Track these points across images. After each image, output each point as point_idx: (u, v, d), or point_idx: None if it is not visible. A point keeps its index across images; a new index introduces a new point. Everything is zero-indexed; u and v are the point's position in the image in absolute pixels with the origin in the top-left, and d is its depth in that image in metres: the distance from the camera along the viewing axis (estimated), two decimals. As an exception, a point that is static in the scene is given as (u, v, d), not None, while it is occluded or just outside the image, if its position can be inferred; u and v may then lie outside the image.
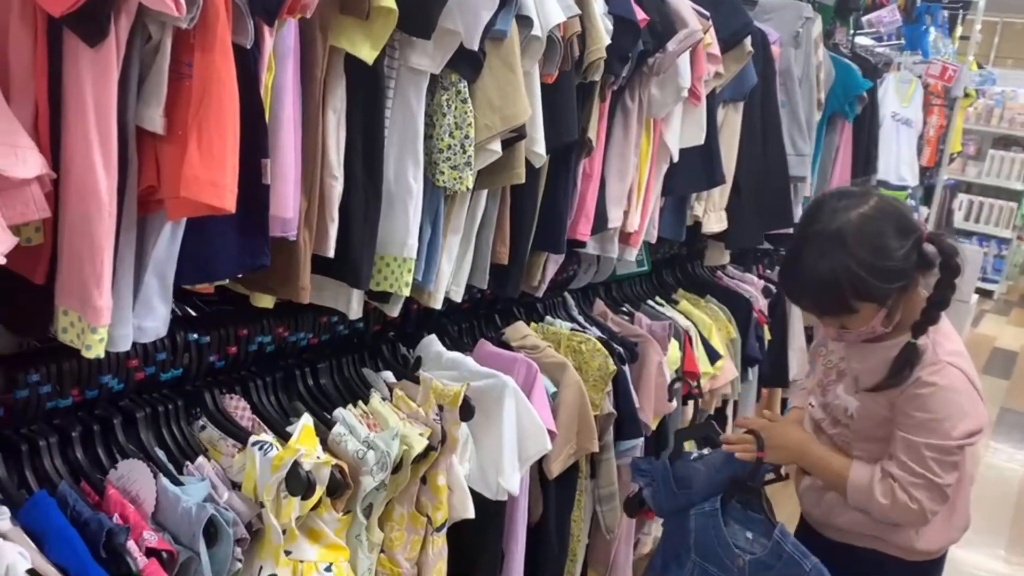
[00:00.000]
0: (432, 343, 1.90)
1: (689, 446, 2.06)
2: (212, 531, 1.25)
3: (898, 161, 4.57)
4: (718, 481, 1.83)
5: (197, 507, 1.24)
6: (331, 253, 1.41)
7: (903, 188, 4.65)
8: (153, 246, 1.19)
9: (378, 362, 1.84)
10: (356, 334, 1.82)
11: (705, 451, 1.92)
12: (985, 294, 7.94)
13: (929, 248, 1.58)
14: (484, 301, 2.15)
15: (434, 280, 1.66)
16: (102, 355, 1.12)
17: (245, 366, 1.61)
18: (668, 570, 1.90)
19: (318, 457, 1.38)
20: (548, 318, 2.31)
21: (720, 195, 2.62)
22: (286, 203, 1.27)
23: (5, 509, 1.17)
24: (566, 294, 2.42)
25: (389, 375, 1.79)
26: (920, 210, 5.71)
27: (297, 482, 1.32)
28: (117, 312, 1.14)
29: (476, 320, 2.13)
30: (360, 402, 1.66)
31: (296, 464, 1.33)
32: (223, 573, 1.27)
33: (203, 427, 1.49)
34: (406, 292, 1.56)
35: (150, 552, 1.19)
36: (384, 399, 1.69)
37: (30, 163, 1.00)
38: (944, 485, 1.59)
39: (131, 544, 1.18)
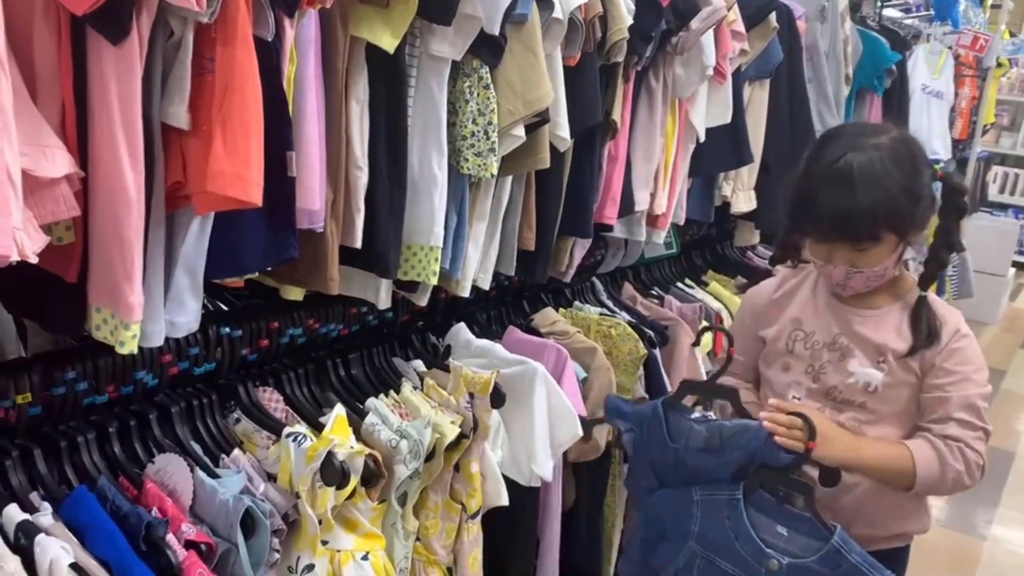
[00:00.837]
0: (461, 331, 1.91)
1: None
2: (249, 522, 1.26)
3: (929, 134, 4.48)
4: (727, 460, 1.51)
5: (234, 499, 1.25)
6: (358, 244, 1.42)
7: (936, 162, 4.55)
8: (182, 242, 1.19)
9: (408, 352, 1.84)
10: (386, 324, 1.83)
11: (710, 414, 1.60)
12: (1022, 268, 7.79)
13: (935, 186, 1.55)
14: (512, 288, 2.15)
15: (461, 268, 1.66)
16: (135, 351, 1.13)
17: (277, 358, 1.62)
18: (653, 552, 1.60)
19: (352, 447, 1.39)
20: (577, 303, 2.31)
21: (748, 174, 2.59)
22: (312, 195, 1.28)
23: (47, 505, 1.19)
24: (594, 279, 2.41)
25: (419, 364, 1.80)
26: (953, 184, 5.59)
27: (332, 472, 1.33)
28: (149, 308, 1.15)
29: (504, 307, 2.12)
30: (392, 391, 1.66)
31: (330, 454, 1.33)
32: (261, 564, 1.29)
33: (237, 420, 1.51)
34: (434, 280, 1.56)
35: (189, 544, 1.21)
36: (415, 388, 1.69)
37: (59, 162, 1.01)
38: (991, 433, 1.55)
39: (170, 537, 1.19)
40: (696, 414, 1.57)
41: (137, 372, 1.37)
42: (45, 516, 1.17)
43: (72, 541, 1.14)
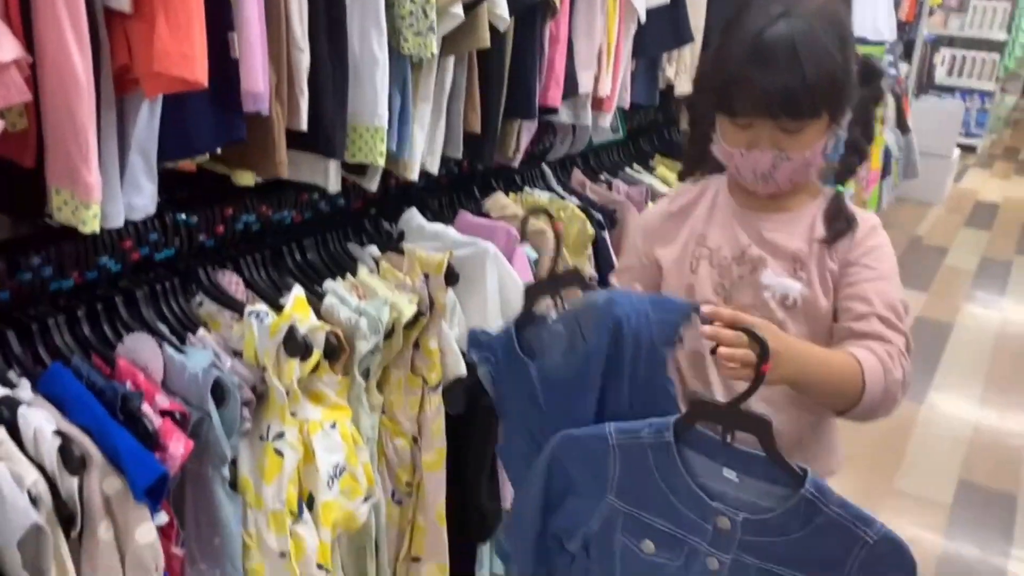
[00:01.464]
0: (414, 216, 1.96)
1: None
2: (220, 392, 1.32)
3: (875, 15, 4.50)
4: (593, 349, 1.20)
5: (203, 371, 1.31)
6: (304, 126, 1.46)
7: (880, 43, 4.61)
8: (133, 125, 1.23)
9: (362, 237, 1.90)
10: (339, 211, 1.87)
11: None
12: (968, 150, 7.96)
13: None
14: (463, 175, 2.20)
15: (408, 149, 1.70)
16: (97, 230, 1.18)
17: (234, 244, 1.66)
18: (554, 512, 1.26)
19: (313, 323, 1.46)
20: (527, 189, 2.37)
21: (691, 56, 2.64)
22: (255, 77, 1.31)
23: (25, 380, 1.25)
24: (544, 165, 2.47)
25: (374, 249, 1.85)
26: (900, 67, 5.67)
27: (295, 344, 1.39)
28: (106, 190, 1.19)
29: (456, 194, 2.17)
30: (348, 274, 1.73)
31: (292, 328, 1.40)
32: (233, 431, 1.36)
33: (200, 303, 1.56)
34: (381, 162, 1.61)
35: (164, 414, 1.27)
36: (371, 271, 1.76)
37: (5, 48, 1.03)
38: (912, 348, 1.32)
39: (146, 407, 1.25)
40: (555, 318, 1.32)
41: (100, 258, 1.42)
42: (24, 391, 1.22)
43: (53, 412, 1.20)
